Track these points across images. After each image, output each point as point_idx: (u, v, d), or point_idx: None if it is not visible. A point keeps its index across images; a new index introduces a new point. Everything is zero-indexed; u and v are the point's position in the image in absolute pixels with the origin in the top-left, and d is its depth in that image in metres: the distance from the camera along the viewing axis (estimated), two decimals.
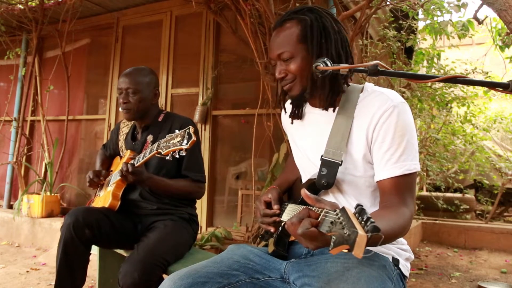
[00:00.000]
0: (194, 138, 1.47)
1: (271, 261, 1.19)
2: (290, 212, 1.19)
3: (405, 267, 1.16)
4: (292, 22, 1.16)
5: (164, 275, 1.68)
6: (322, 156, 1.15)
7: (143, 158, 1.71)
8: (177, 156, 1.51)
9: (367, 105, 1.14)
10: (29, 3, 4.16)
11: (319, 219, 0.86)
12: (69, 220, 1.72)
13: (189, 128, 1.51)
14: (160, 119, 1.99)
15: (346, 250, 0.74)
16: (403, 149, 1.07)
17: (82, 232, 1.71)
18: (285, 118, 1.42)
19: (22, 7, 4.23)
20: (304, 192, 0.94)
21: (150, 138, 1.94)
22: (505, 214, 5.97)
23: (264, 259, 1.19)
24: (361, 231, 0.70)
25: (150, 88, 1.96)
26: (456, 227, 4.83)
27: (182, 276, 1.07)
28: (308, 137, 1.27)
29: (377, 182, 1.12)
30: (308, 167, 1.27)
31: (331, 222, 0.80)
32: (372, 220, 0.72)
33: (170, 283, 1.06)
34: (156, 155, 1.63)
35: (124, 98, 1.90)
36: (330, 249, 0.75)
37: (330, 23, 1.15)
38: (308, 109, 1.29)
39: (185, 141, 1.48)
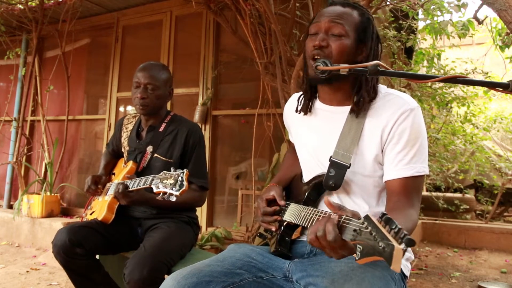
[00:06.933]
0: (185, 187, 1.46)
1: (273, 260, 1.19)
2: (293, 212, 1.18)
3: (406, 267, 1.16)
4: (354, 11, 1.17)
5: (165, 276, 1.67)
6: (331, 157, 1.14)
7: (137, 186, 1.70)
8: (166, 198, 1.49)
9: (383, 107, 1.13)
10: (29, 3, 4.16)
11: (339, 226, 0.85)
12: (57, 246, 1.70)
13: (183, 173, 1.49)
14: (166, 120, 1.99)
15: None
16: (415, 151, 1.09)
17: (74, 252, 1.70)
18: (290, 112, 1.38)
19: (22, 7, 4.23)
20: (328, 200, 0.91)
21: (149, 149, 1.93)
22: (505, 214, 5.97)
23: (266, 258, 1.18)
24: (397, 245, 0.68)
25: (167, 87, 1.97)
26: (456, 227, 4.83)
27: (185, 275, 1.05)
28: (316, 135, 1.24)
29: (385, 181, 1.13)
30: (313, 166, 1.25)
31: (355, 230, 0.79)
32: (405, 232, 0.70)
33: (173, 282, 1.04)
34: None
35: (143, 93, 1.88)
36: (357, 259, 0.75)
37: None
38: (318, 105, 1.26)
39: (177, 188, 1.47)
